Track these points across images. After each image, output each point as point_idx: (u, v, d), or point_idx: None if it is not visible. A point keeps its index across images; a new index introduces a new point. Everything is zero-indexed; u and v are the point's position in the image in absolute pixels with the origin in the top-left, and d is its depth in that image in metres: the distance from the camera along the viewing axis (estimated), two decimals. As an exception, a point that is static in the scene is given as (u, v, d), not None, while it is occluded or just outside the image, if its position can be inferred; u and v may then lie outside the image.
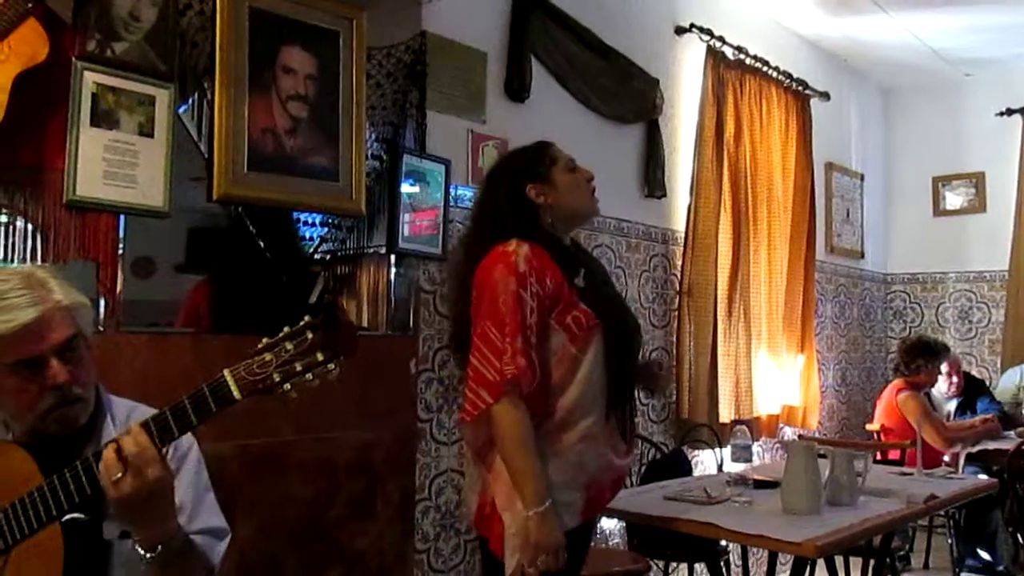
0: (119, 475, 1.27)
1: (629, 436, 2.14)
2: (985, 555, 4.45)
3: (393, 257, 2.81)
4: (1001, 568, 4.38)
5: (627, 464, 2.19)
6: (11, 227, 2.03)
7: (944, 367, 4.88)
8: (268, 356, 1.30)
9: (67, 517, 1.34)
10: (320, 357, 1.30)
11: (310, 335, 1.30)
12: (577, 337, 2.00)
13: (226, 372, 1.29)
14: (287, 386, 1.29)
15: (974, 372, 5.56)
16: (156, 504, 1.31)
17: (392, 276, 2.82)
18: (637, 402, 2.25)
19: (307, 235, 2.63)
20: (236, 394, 1.29)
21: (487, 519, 2.03)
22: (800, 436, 4.83)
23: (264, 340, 1.32)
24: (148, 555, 1.33)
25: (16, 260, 2.02)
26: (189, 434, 1.52)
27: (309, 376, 1.30)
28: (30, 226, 2.05)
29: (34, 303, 1.37)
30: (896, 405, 4.48)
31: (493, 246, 2.02)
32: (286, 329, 1.32)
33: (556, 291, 2.00)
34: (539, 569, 1.90)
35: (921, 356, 4.57)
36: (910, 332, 6.19)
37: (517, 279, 1.95)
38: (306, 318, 1.32)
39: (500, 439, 1.95)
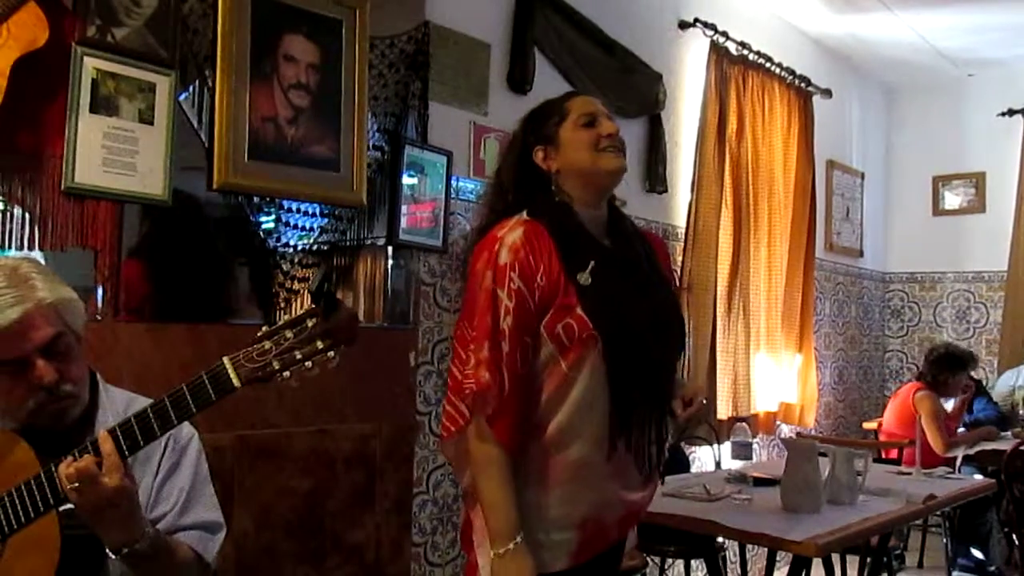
0: (76, 484, 1.26)
1: (649, 467, 1.77)
2: (978, 554, 4.45)
3: (391, 249, 2.79)
4: (993, 568, 4.38)
5: (643, 498, 1.81)
6: (9, 214, 2.01)
7: None
8: (267, 344, 1.28)
9: (64, 507, 1.33)
10: (320, 345, 1.28)
11: (310, 323, 1.29)
12: (567, 351, 1.65)
13: (225, 360, 1.28)
14: (286, 374, 1.28)
15: (971, 373, 5.56)
16: (114, 512, 1.30)
17: (389, 268, 2.81)
18: (665, 427, 1.80)
19: (306, 225, 2.61)
20: (236, 382, 1.27)
21: (466, 539, 1.80)
22: (798, 434, 4.83)
23: (264, 328, 1.30)
24: (114, 556, 1.33)
25: (13, 247, 2.00)
26: (189, 426, 1.52)
27: (309, 364, 1.28)
28: (28, 213, 2.03)
29: (17, 302, 1.35)
30: (912, 403, 4.45)
31: (496, 225, 1.73)
32: (286, 317, 1.30)
33: (550, 290, 1.65)
34: None
35: (949, 369, 4.54)
36: (908, 332, 6.20)
37: (495, 274, 1.65)
38: (306, 306, 1.31)
39: (471, 464, 1.69)
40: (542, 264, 1.66)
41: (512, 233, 1.68)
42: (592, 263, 1.68)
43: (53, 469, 1.31)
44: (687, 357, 4.02)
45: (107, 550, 1.33)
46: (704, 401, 1.75)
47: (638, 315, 1.71)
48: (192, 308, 2.35)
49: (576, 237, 1.71)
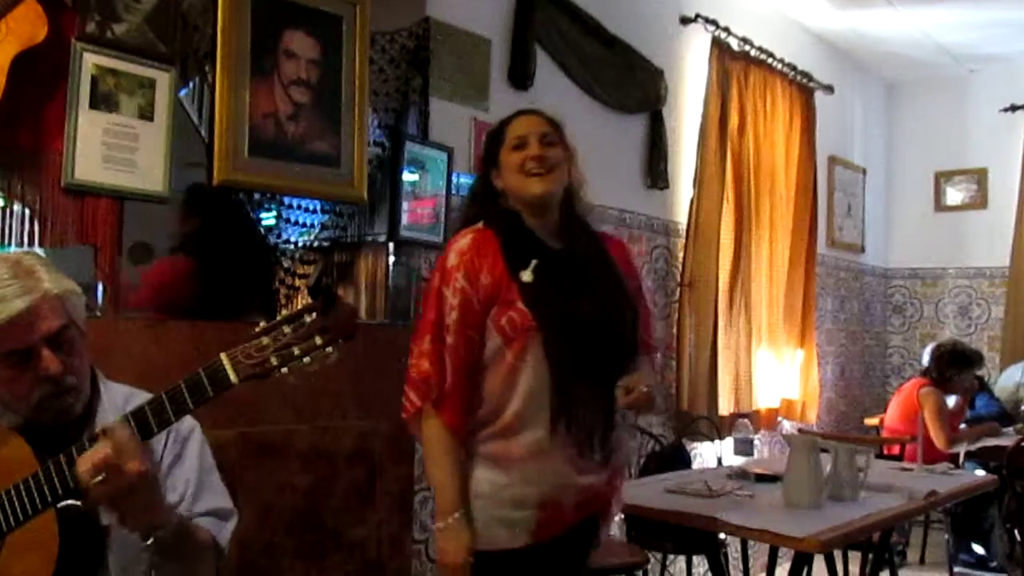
0: (100, 476, 1.24)
1: (601, 451, 1.87)
2: (980, 550, 4.44)
3: (391, 245, 2.79)
4: (994, 564, 4.38)
5: (599, 481, 1.90)
6: (8, 210, 2.00)
7: None
8: (265, 340, 1.27)
9: (62, 504, 1.32)
10: (318, 341, 1.27)
11: (308, 319, 1.28)
12: (512, 341, 1.81)
13: (223, 356, 1.27)
14: (284, 370, 1.27)
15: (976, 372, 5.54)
16: (139, 497, 1.28)
17: (390, 264, 2.80)
18: (615, 414, 1.90)
19: (307, 221, 2.61)
20: (233, 378, 1.26)
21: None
22: (800, 430, 4.82)
23: (262, 324, 1.29)
24: (144, 542, 1.32)
25: (13, 244, 2.00)
26: (190, 417, 1.51)
27: (307, 360, 1.27)
28: (28, 210, 2.02)
29: (23, 293, 1.34)
30: (916, 399, 4.43)
31: (454, 237, 1.95)
32: (284, 312, 1.30)
33: (493, 288, 1.83)
34: None
35: (954, 366, 4.52)
36: (910, 328, 6.19)
37: (443, 275, 1.85)
38: (304, 301, 1.30)
39: (423, 445, 1.88)
40: (486, 265, 1.84)
41: (462, 240, 1.88)
42: (534, 262, 1.84)
43: (52, 466, 1.30)
44: (690, 354, 4.02)
45: (137, 535, 1.32)
46: (645, 389, 1.83)
47: (581, 309, 1.85)
48: (229, 305, 2.38)
49: (521, 240, 1.89)
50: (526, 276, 1.82)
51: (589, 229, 2.02)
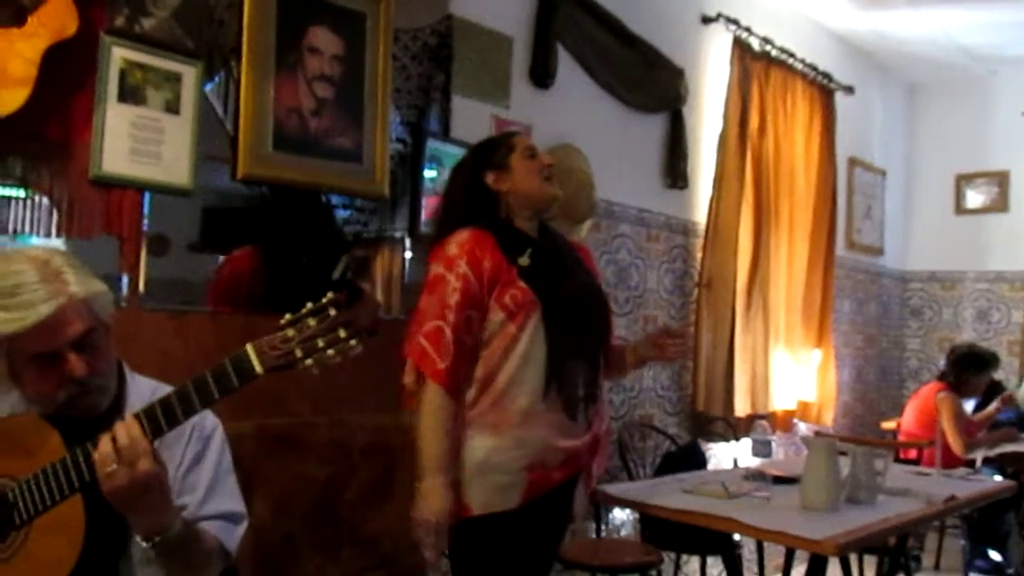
0: (111, 468, 1.26)
1: (582, 415, 2.09)
2: (996, 556, 4.41)
3: (408, 240, 2.80)
4: (1011, 571, 4.35)
5: (581, 445, 2.10)
6: (35, 202, 2.02)
7: None
8: (291, 332, 1.28)
9: (89, 491, 1.34)
10: (342, 334, 1.28)
11: (332, 312, 1.29)
12: (515, 315, 2.01)
13: (248, 346, 1.28)
14: (309, 362, 1.28)
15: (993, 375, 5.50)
16: (147, 497, 1.30)
17: (407, 260, 2.81)
18: (598, 382, 2.15)
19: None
20: (258, 368, 1.27)
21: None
22: (817, 433, 4.81)
23: (287, 316, 1.30)
24: (147, 544, 1.33)
25: (41, 234, 2.02)
26: (213, 416, 1.53)
27: (331, 352, 1.28)
28: (55, 201, 2.04)
29: (49, 297, 1.35)
30: (934, 404, 4.41)
31: (448, 237, 2.08)
32: (309, 305, 1.31)
33: (494, 272, 2.02)
34: (426, 546, 1.97)
35: (971, 368, 4.50)
36: (927, 331, 6.15)
37: (445, 263, 2.03)
38: (329, 295, 1.31)
39: (419, 409, 2.03)
40: (487, 253, 2.03)
41: (461, 235, 2.06)
42: (529, 249, 2.09)
43: (79, 454, 1.32)
44: (706, 354, 4.01)
45: (139, 538, 1.33)
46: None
47: (567, 288, 2.11)
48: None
49: (514, 235, 2.11)
50: (523, 260, 2.06)
51: (562, 235, 2.30)
